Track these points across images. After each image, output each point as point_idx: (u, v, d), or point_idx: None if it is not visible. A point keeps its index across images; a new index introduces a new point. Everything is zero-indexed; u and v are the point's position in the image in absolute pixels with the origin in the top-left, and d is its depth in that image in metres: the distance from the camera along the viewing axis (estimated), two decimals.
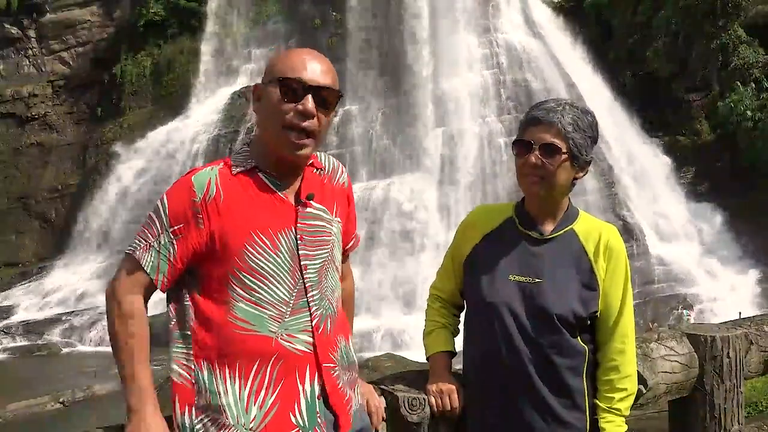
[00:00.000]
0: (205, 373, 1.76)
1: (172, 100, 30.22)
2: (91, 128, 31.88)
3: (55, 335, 22.82)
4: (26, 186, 31.16)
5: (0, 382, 16.07)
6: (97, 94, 32.38)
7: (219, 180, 1.81)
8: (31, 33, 33.05)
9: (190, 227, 1.77)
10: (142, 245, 1.77)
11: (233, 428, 1.73)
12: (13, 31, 32.75)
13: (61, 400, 14.27)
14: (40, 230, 30.53)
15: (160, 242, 1.77)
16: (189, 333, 1.79)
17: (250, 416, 1.74)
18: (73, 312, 24.26)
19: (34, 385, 15.50)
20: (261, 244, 1.79)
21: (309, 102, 1.80)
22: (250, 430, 1.74)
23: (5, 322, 24.20)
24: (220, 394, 1.74)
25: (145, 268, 1.76)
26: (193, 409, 1.76)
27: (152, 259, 1.76)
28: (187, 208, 1.77)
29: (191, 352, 1.78)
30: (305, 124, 1.80)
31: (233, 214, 1.79)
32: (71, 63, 33.21)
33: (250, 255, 1.78)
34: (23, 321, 24.21)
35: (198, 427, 1.76)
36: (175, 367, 1.80)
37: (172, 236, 1.77)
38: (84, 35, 33.18)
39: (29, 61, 33.27)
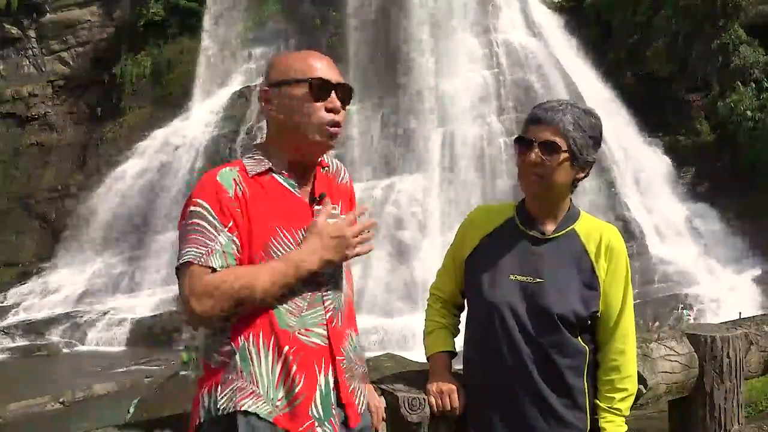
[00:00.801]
0: (241, 342, 1.79)
1: (172, 100, 30.21)
2: (91, 128, 31.87)
3: (55, 335, 22.81)
4: (26, 186, 31.15)
5: (0, 382, 16.07)
6: (97, 94, 32.37)
7: (241, 178, 1.85)
8: (31, 33, 33.06)
9: (237, 222, 1.80)
10: (204, 251, 1.76)
11: (263, 399, 1.77)
12: (13, 31, 32.75)
13: (61, 400, 14.27)
14: (40, 230, 30.52)
15: (221, 243, 1.78)
16: (228, 324, 1.83)
17: (278, 393, 1.79)
18: (73, 312, 24.25)
19: (34, 385, 15.48)
20: (284, 240, 1.85)
21: (336, 99, 1.91)
22: (276, 407, 1.77)
23: (5, 322, 24.19)
24: (253, 362, 1.78)
25: (219, 270, 1.76)
26: (219, 386, 1.79)
27: (219, 260, 1.77)
28: (228, 204, 1.80)
29: (228, 333, 1.81)
30: (336, 118, 1.90)
31: (259, 211, 1.83)
32: (71, 63, 33.22)
33: (274, 251, 1.83)
34: (23, 321, 24.21)
35: (222, 401, 1.78)
36: (207, 349, 1.85)
37: (230, 234, 1.79)
38: (84, 35, 33.18)
39: (29, 61, 33.28)
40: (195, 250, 1.76)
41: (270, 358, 1.79)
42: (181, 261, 1.77)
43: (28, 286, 27.55)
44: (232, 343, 1.80)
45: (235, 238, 1.79)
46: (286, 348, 1.80)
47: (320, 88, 1.88)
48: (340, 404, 1.88)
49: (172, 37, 31.83)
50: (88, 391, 14.82)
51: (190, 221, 1.80)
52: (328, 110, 1.89)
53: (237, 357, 1.78)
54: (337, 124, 1.91)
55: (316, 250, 1.82)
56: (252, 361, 1.78)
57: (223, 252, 1.77)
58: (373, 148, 25.85)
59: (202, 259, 1.75)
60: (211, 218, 1.78)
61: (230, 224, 1.79)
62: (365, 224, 1.92)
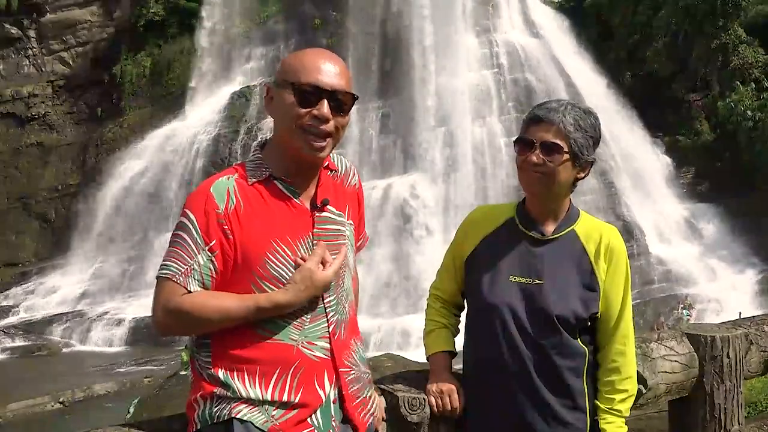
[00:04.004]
0: (224, 380, 1.77)
1: (172, 100, 30.24)
2: (91, 128, 31.90)
3: (55, 335, 22.84)
4: (26, 186, 31.17)
5: (0, 382, 16.07)
6: (97, 94, 32.40)
7: (237, 189, 1.80)
8: (31, 33, 33.07)
9: (222, 241, 1.76)
10: (183, 269, 1.74)
11: (257, 409, 1.75)
12: (13, 31, 32.77)
13: (61, 400, 14.29)
14: (40, 230, 30.54)
15: (200, 263, 1.75)
16: (209, 341, 1.81)
17: (272, 406, 1.77)
18: (73, 312, 24.27)
19: (34, 385, 15.50)
20: (282, 252, 1.80)
21: (324, 107, 1.79)
22: (272, 417, 1.75)
23: (5, 322, 24.21)
24: (239, 391, 1.76)
25: (193, 291, 1.75)
26: (212, 394, 1.77)
27: (197, 282, 1.75)
28: (215, 221, 1.76)
29: (209, 360, 1.79)
30: (321, 127, 1.80)
31: (253, 224, 1.78)
32: (71, 63, 33.23)
33: (272, 264, 1.78)
34: (23, 321, 24.23)
35: (216, 408, 1.76)
36: (196, 355, 1.83)
37: (209, 254, 1.75)
38: (84, 35, 33.19)
39: (29, 61, 33.28)
40: (175, 265, 1.75)
41: (258, 385, 1.76)
42: (160, 273, 1.77)
43: (28, 286, 27.55)
44: (215, 372, 1.77)
45: (214, 259, 1.75)
46: (278, 371, 1.77)
47: (306, 94, 1.78)
48: (345, 415, 1.86)
49: (172, 37, 31.83)
50: (88, 391, 14.84)
51: (176, 233, 1.78)
52: (313, 117, 1.78)
53: (224, 381, 1.77)
54: (320, 132, 1.79)
55: (291, 292, 1.78)
56: (239, 390, 1.75)
57: (201, 273, 1.75)
58: (373, 147, 25.87)
59: (180, 279, 1.74)
60: (195, 234, 1.75)
61: (213, 243, 1.75)
62: (337, 266, 1.85)
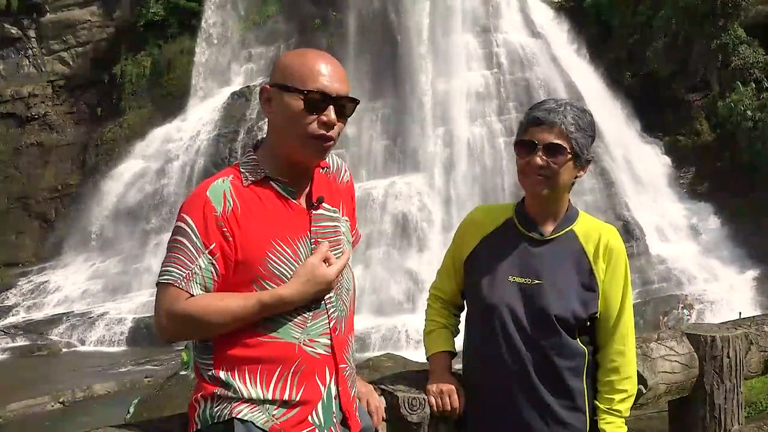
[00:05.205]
0: (225, 380, 1.77)
1: (172, 100, 30.24)
2: (91, 128, 31.92)
3: (55, 335, 22.83)
4: (26, 186, 31.18)
5: (0, 382, 16.07)
6: (97, 94, 32.41)
7: (233, 191, 1.80)
8: (31, 33, 33.08)
9: (221, 244, 1.76)
10: (184, 274, 1.75)
11: (258, 409, 1.76)
12: (13, 31, 32.78)
13: (61, 400, 14.29)
14: (40, 230, 30.55)
15: (201, 266, 1.75)
16: (210, 343, 1.81)
17: (274, 405, 1.77)
18: (73, 312, 24.27)
19: (34, 385, 15.51)
20: (282, 251, 1.80)
21: (332, 113, 1.81)
22: (273, 416, 1.76)
23: (5, 322, 24.21)
24: (241, 390, 1.77)
25: (196, 295, 1.76)
26: (214, 394, 1.78)
27: (199, 286, 1.75)
28: (213, 224, 1.76)
29: (211, 362, 1.80)
30: (328, 133, 1.82)
31: (252, 225, 1.79)
32: (71, 63, 33.24)
33: (272, 263, 1.79)
34: (23, 321, 24.23)
35: (217, 408, 1.77)
36: (198, 357, 1.84)
37: (210, 257, 1.75)
38: (84, 35, 33.20)
39: (29, 61, 33.29)
40: (176, 271, 1.75)
41: (259, 384, 1.76)
42: (161, 279, 1.77)
43: (28, 286, 27.55)
44: (216, 373, 1.78)
45: (215, 262, 1.75)
46: (279, 370, 1.77)
47: (316, 102, 1.79)
48: (341, 412, 1.86)
49: (172, 37, 31.84)
50: (88, 391, 14.84)
51: (174, 237, 1.78)
52: (322, 123, 1.81)
53: (225, 381, 1.77)
54: (327, 138, 1.82)
55: (294, 286, 1.79)
56: (240, 390, 1.76)
57: (203, 276, 1.75)
58: (373, 147, 25.87)
59: (183, 284, 1.74)
60: (194, 238, 1.76)
61: (213, 246, 1.75)
62: (342, 265, 1.88)
